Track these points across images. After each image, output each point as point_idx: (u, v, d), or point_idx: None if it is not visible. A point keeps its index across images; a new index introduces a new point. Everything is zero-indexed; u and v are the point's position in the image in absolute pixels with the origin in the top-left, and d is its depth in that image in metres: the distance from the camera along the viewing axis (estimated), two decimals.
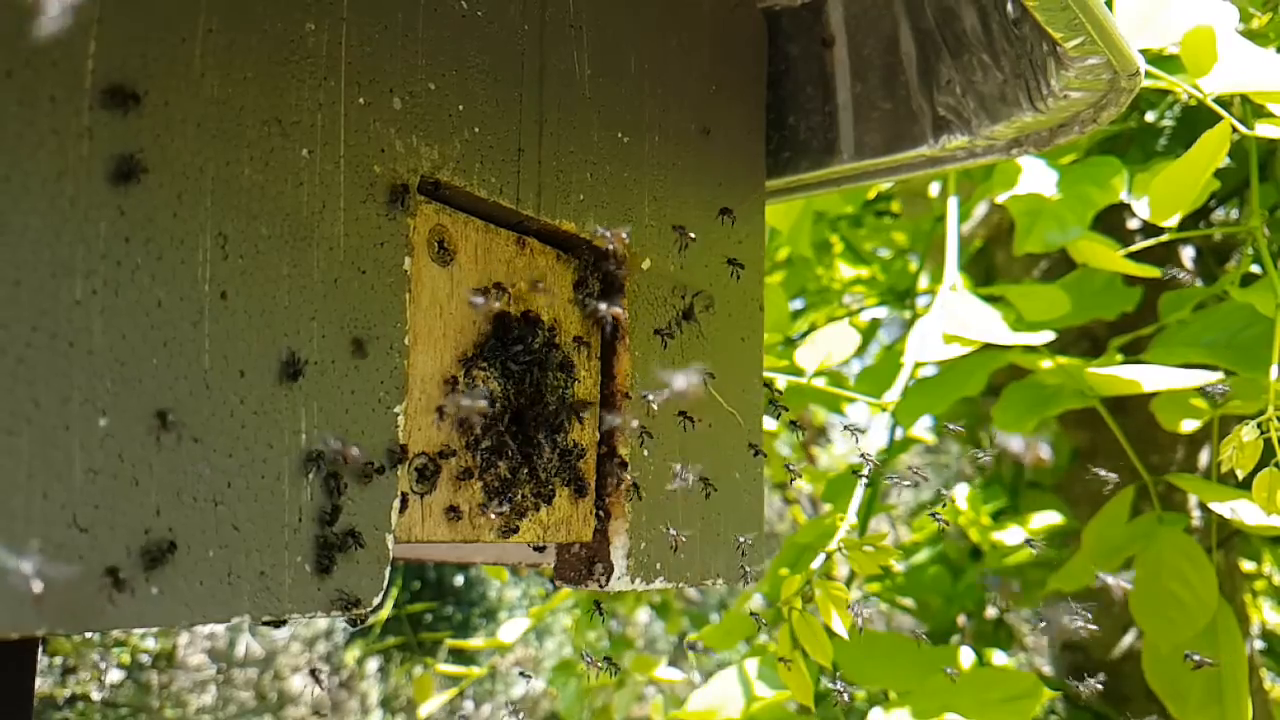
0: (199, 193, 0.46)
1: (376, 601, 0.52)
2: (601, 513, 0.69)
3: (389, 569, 0.53)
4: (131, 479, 0.42)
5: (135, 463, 0.43)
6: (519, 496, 0.63)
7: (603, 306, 0.57)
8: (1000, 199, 1.13)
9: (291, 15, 0.50)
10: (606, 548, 0.68)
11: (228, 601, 0.45)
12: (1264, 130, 0.91)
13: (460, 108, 0.59)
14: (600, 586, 0.68)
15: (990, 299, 1.18)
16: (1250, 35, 1.14)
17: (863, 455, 0.82)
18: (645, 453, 0.70)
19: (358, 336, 0.52)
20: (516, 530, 0.62)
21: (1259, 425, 0.84)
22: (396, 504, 0.54)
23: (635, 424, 0.69)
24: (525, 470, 0.63)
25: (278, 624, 0.50)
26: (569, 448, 0.66)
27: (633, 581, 0.69)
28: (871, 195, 1.74)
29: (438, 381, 0.58)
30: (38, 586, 0.39)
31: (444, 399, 0.58)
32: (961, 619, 1.89)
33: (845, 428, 0.77)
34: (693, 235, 0.70)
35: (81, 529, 0.40)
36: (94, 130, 0.42)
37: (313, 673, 0.60)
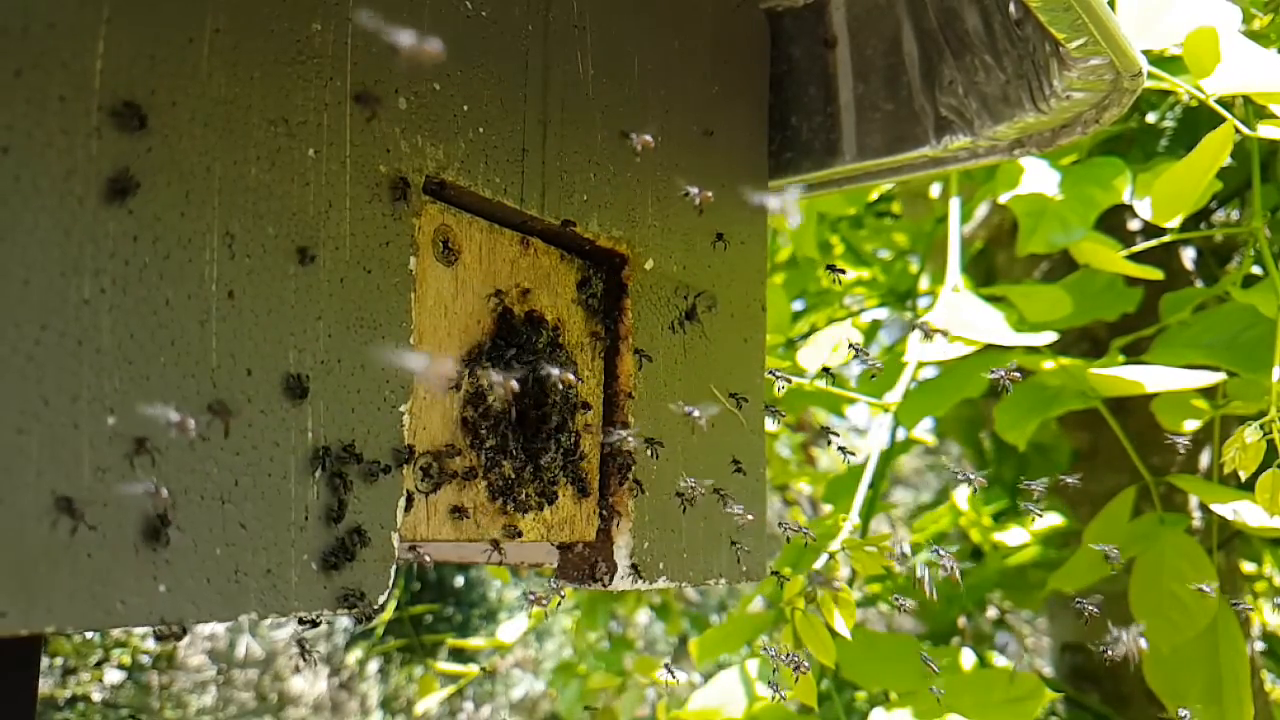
0: (206, 192, 0.46)
1: (382, 600, 0.52)
2: (604, 512, 0.69)
3: (394, 567, 0.53)
4: (139, 478, 0.42)
5: (143, 462, 0.43)
6: (523, 496, 0.63)
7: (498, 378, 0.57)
8: (1003, 199, 1.14)
9: (298, 16, 0.51)
10: (609, 547, 0.68)
11: (234, 599, 0.45)
12: (1266, 131, 0.91)
13: (465, 108, 0.60)
14: (603, 586, 0.68)
15: (992, 299, 1.18)
16: (1251, 36, 1.14)
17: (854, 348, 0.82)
18: (648, 452, 0.70)
19: (302, 246, 0.50)
20: (521, 534, 0.63)
21: (1261, 427, 0.84)
22: (402, 503, 0.54)
23: (635, 439, 0.69)
24: (529, 470, 0.63)
25: (314, 624, 0.51)
26: (572, 447, 0.66)
27: (635, 581, 0.69)
28: (873, 197, 1.75)
29: (442, 380, 0.58)
30: (45, 585, 0.39)
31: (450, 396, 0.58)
32: (962, 620, 1.89)
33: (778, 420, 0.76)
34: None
35: (90, 527, 0.40)
36: (102, 130, 0.42)
37: (300, 644, 0.59)
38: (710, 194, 0.64)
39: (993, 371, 0.75)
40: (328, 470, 0.50)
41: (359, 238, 0.53)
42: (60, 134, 0.41)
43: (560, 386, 0.65)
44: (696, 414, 0.68)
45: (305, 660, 0.55)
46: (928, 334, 0.84)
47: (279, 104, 0.49)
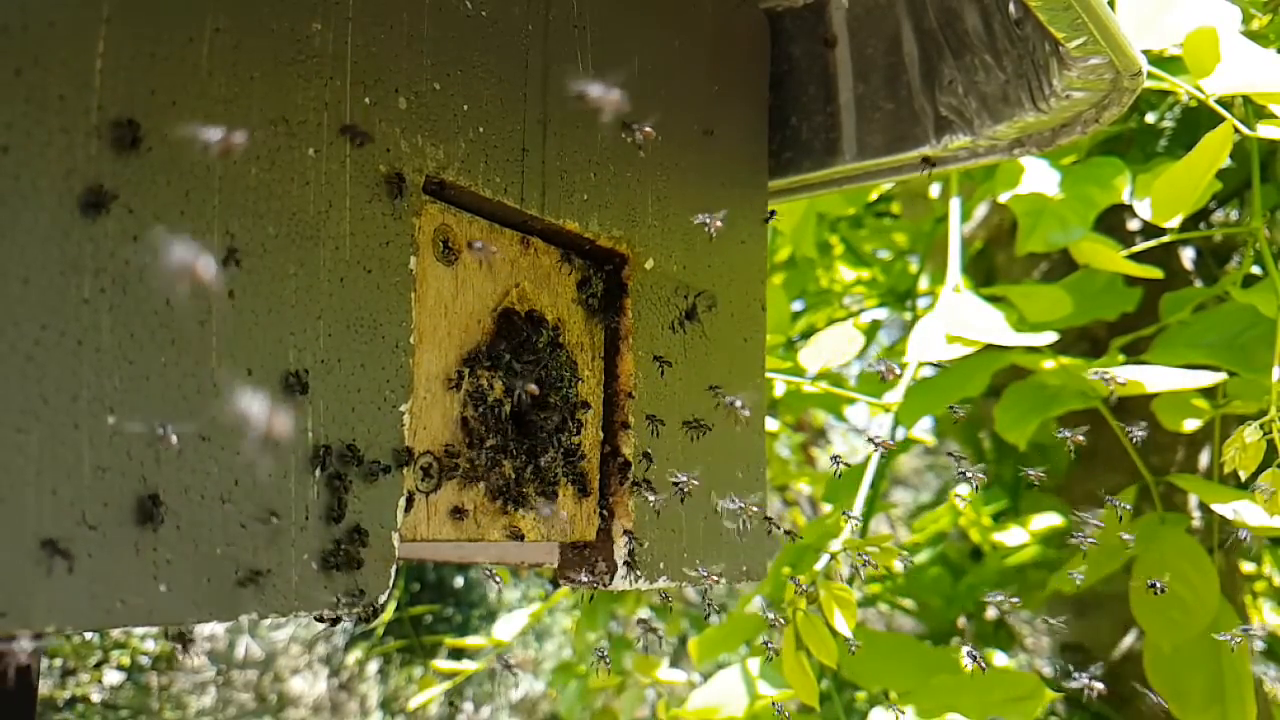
0: (207, 191, 0.46)
1: (382, 600, 0.52)
2: (605, 512, 0.69)
3: (395, 567, 0.53)
4: (140, 477, 0.42)
5: (143, 460, 0.43)
6: (523, 496, 0.63)
7: None
8: (1002, 199, 1.14)
9: (298, 15, 0.51)
10: (610, 546, 0.68)
11: (235, 599, 0.45)
12: (1265, 131, 0.91)
13: (465, 107, 0.60)
14: (603, 585, 0.68)
15: (992, 299, 1.18)
16: (1250, 36, 1.14)
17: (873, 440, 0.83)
18: (649, 452, 0.70)
19: (292, 370, 0.50)
20: (523, 536, 0.63)
21: (1261, 426, 0.84)
22: (402, 502, 0.54)
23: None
24: (529, 470, 0.63)
25: (334, 621, 0.51)
26: (572, 447, 0.66)
27: (636, 580, 0.69)
28: (872, 197, 1.75)
29: (443, 380, 0.58)
30: (45, 584, 0.39)
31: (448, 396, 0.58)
32: (962, 620, 1.89)
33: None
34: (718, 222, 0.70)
35: (91, 526, 0.40)
36: (102, 129, 0.42)
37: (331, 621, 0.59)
38: (720, 222, 0.65)
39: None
40: (328, 470, 0.50)
41: (359, 237, 0.53)
42: (60, 133, 0.41)
43: (561, 386, 0.65)
44: (739, 404, 0.68)
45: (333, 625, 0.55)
46: (879, 445, 0.84)
47: (279, 103, 0.49)
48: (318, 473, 0.49)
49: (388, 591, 0.52)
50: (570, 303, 0.68)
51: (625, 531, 0.68)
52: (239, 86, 0.48)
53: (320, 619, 0.50)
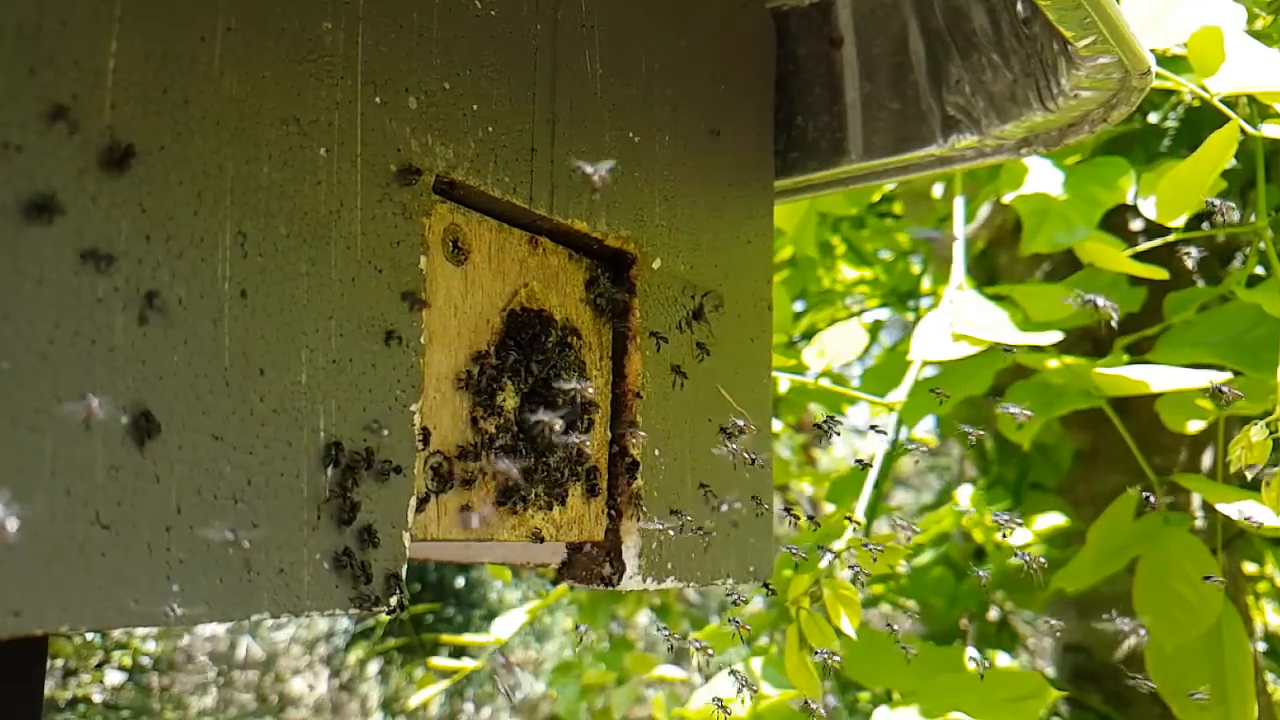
0: (219, 191, 0.46)
1: (394, 601, 0.52)
2: (613, 512, 0.69)
3: (405, 567, 0.53)
4: (153, 476, 0.42)
5: (156, 460, 0.43)
6: (532, 496, 0.63)
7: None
8: (1007, 199, 1.14)
9: (309, 15, 0.51)
10: (618, 546, 0.68)
11: (247, 598, 0.45)
12: (1270, 130, 0.91)
13: (474, 107, 0.59)
14: (612, 586, 0.68)
15: (996, 299, 1.18)
16: (1254, 36, 1.14)
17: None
18: (656, 452, 0.70)
19: (389, 329, 0.53)
20: (543, 538, 0.63)
21: (1267, 425, 0.84)
22: (413, 502, 0.54)
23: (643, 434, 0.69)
24: (539, 470, 0.63)
25: (390, 611, 0.52)
26: (580, 447, 0.66)
27: (644, 581, 0.69)
28: (876, 197, 1.75)
29: (453, 380, 0.58)
30: (58, 584, 0.39)
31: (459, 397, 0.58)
32: (964, 621, 1.89)
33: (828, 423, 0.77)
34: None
35: (104, 526, 0.40)
36: (115, 128, 0.42)
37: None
38: (605, 173, 0.63)
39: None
40: (339, 470, 0.50)
41: (370, 237, 0.53)
42: (74, 131, 0.41)
43: (569, 388, 0.65)
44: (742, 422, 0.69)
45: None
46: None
47: (291, 103, 0.49)
48: (329, 472, 0.49)
49: (399, 591, 0.52)
50: (578, 302, 0.68)
51: (634, 531, 0.68)
52: (250, 85, 0.48)
53: (375, 612, 0.50)
